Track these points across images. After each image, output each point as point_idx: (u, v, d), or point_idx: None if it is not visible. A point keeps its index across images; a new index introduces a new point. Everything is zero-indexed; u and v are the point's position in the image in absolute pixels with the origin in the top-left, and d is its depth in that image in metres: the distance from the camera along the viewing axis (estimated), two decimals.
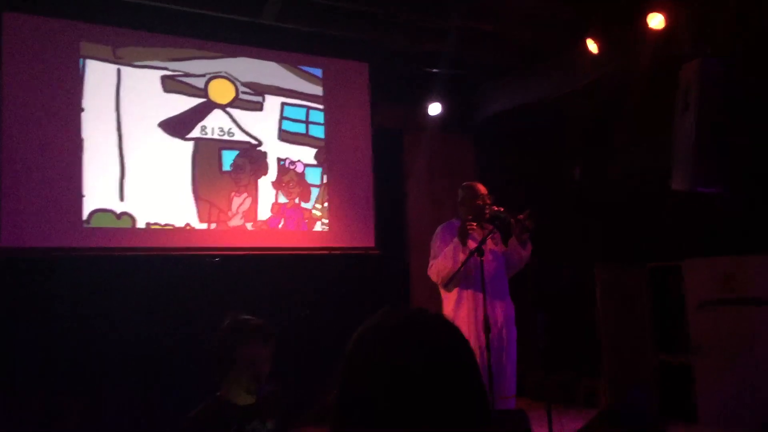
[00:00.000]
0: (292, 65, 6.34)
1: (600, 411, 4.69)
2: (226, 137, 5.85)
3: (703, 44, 4.87)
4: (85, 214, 5.37)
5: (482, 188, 4.68)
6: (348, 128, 6.73)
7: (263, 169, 6.03)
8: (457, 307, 4.49)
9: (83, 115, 5.43)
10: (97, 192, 5.38)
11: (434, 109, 7.17)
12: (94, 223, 5.37)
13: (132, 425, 5.39)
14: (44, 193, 5.27)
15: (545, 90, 6.68)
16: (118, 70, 5.56)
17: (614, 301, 6.35)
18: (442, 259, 4.48)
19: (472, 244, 4.42)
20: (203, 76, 5.89)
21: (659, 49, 5.35)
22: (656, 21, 5.27)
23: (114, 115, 5.47)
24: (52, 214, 5.28)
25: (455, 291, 4.53)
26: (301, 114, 6.28)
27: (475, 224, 4.52)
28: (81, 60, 5.50)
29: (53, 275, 5.33)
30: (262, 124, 6.07)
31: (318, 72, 6.51)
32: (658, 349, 6.11)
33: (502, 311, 4.52)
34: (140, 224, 5.52)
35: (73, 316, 5.31)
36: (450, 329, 1.03)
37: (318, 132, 6.43)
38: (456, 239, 4.48)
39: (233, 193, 5.88)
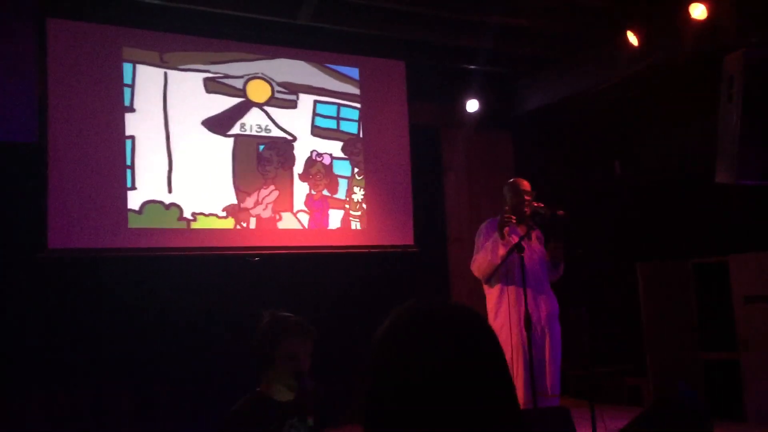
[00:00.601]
0: (323, 64, 6.39)
1: (645, 409, 4.62)
2: (263, 133, 6.06)
3: (748, 34, 4.76)
4: (137, 205, 5.59)
5: (525, 184, 4.67)
6: (385, 127, 6.74)
7: (290, 161, 6.10)
8: (499, 303, 4.49)
9: (133, 115, 5.63)
10: (148, 185, 5.64)
11: (472, 105, 7.13)
12: (145, 214, 5.59)
13: (176, 418, 5.48)
14: (91, 194, 5.41)
15: (583, 84, 6.60)
16: (165, 74, 5.79)
17: (658, 298, 6.25)
18: (483, 254, 4.50)
19: (514, 239, 4.41)
20: (242, 77, 6.06)
21: (702, 40, 5.25)
22: (699, 11, 5.16)
23: (161, 114, 5.72)
24: (99, 216, 5.43)
25: (497, 287, 4.52)
26: (332, 111, 6.40)
27: (514, 218, 4.50)
28: (129, 65, 5.67)
29: (100, 275, 5.46)
30: (297, 121, 6.23)
31: (350, 71, 6.55)
32: (703, 346, 6.00)
33: (545, 308, 4.49)
34: (186, 213, 5.74)
35: (117, 314, 5.43)
36: (475, 320, 1.01)
37: (349, 128, 6.50)
38: (495, 234, 4.48)
39: (261, 185, 5.98)
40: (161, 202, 5.68)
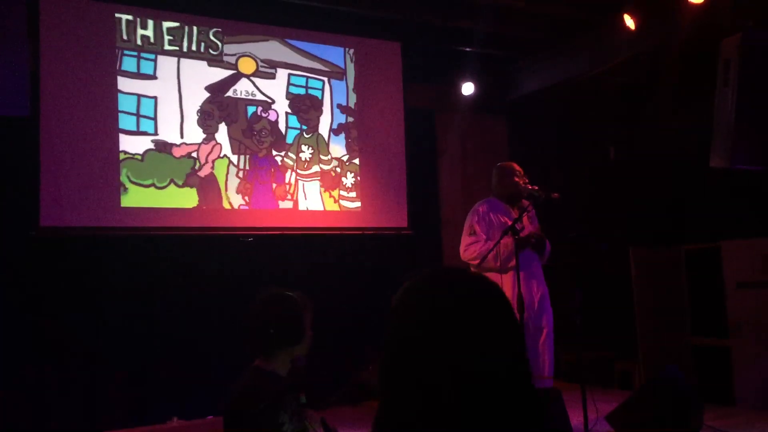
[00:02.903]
0: (296, 45, 6.45)
1: (635, 391, 4.65)
2: (250, 97, 6.23)
3: (745, 17, 4.73)
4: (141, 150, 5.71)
5: (517, 167, 4.66)
6: (380, 109, 6.73)
7: (233, 117, 6.08)
8: None
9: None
10: (161, 132, 5.80)
11: (467, 88, 7.11)
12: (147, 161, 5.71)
13: (172, 397, 5.48)
14: (84, 171, 5.39)
15: (579, 68, 6.58)
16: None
17: (650, 283, 6.27)
18: (482, 251, 4.45)
19: (507, 221, 4.41)
20: (234, 55, 6.15)
21: (698, 23, 5.22)
22: None
23: (176, 81, 5.90)
24: (92, 194, 5.41)
25: (490, 271, 4.52)
26: (302, 81, 6.49)
27: (533, 239, 4.49)
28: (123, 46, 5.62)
29: (93, 253, 5.44)
30: (275, 89, 6.33)
31: (322, 50, 6.56)
32: (694, 332, 6.03)
33: (537, 290, 4.51)
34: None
35: (109, 291, 5.42)
36: (492, 288, 1.03)
37: (315, 94, 6.54)
38: (510, 243, 4.39)
39: (203, 142, 5.96)
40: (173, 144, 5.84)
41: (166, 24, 5.84)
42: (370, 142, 6.65)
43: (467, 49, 6.81)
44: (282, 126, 6.31)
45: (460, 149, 7.47)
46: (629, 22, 5.68)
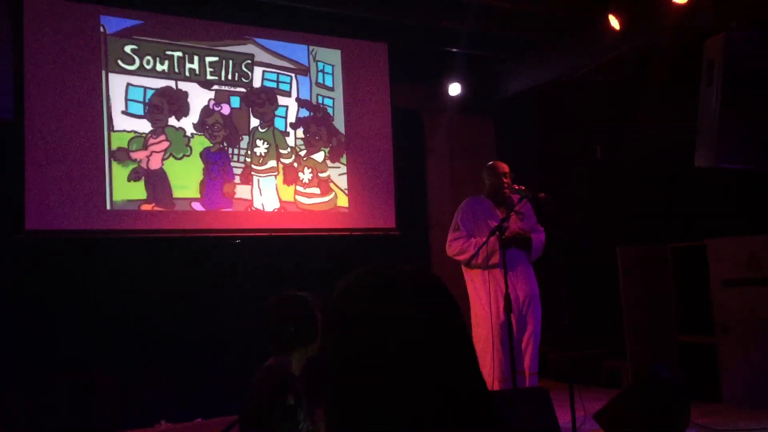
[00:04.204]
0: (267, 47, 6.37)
1: (623, 390, 4.67)
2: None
3: (728, 18, 4.77)
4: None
5: (504, 167, 4.72)
6: (367, 110, 6.72)
7: (183, 111, 5.88)
8: (479, 284, 4.51)
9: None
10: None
11: (454, 89, 7.12)
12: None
13: (165, 399, 5.46)
14: (69, 174, 5.35)
15: (565, 68, 6.60)
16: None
17: (637, 281, 6.30)
18: (468, 249, 4.49)
19: (492, 224, 4.42)
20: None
21: (683, 23, 5.26)
22: None
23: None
24: (77, 197, 5.38)
25: (477, 269, 4.53)
26: (273, 76, 6.34)
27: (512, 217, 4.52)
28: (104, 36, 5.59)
29: (78, 257, 5.41)
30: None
31: (289, 49, 6.44)
32: (681, 330, 6.06)
33: (524, 289, 4.52)
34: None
35: (94, 296, 5.40)
36: (432, 281, 0.98)
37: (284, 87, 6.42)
38: (492, 242, 4.41)
39: (150, 137, 5.76)
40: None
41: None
42: (358, 143, 6.64)
43: (454, 50, 6.82)
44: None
45: (447, 149, 7.48)
46: (614, 22, 5.71)
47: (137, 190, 5.66)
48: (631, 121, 6.47)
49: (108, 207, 5.51)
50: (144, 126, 5.72)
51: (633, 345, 6.21)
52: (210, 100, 6.02)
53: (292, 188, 6.31)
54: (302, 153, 6.40)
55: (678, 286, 6.11)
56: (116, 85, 5.63)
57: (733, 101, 4.57)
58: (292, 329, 2.53)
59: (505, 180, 4.61)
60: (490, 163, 4.88)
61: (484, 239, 4.37)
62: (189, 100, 5.92)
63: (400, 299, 0.93)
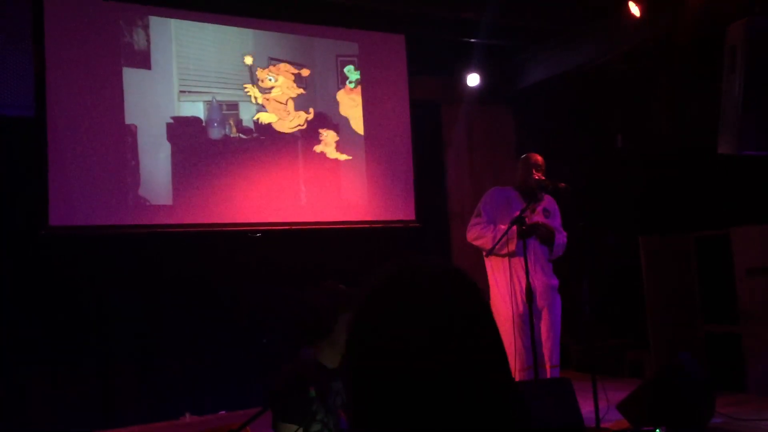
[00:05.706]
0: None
1: (646, 380, 4.64)
2: None
3: (751, 2, 4.70)
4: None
5: (537, 158, 4.66)
6: (386, 102, 6.72)
7: None
8: (500, 274, 4.50)
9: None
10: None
11: (473, 80, 7.09)
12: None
13: (183, 393, 5.52)
14: (92, 169, 5.41)
15: (585, 57, 6.55)
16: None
17: (660, 271, 6.25)
18: (487, 234, 4.49)
19: (516, 213, 4.41)
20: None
21: (704, 9, 5.19)
22: None
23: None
24: (101, 192, 5.43)
25: (498, 259, 4.53)
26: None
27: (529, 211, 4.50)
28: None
29: (102, 252, 5.47)
30: None
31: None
32: (705, 319, 6.01)
33: (543, 280, 4.51)
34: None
35: (118, 290, 5.45)
36: (458, 277, 0.97)
37: None
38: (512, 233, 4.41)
39: None
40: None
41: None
42: (377, 135, 6.64)
43: (472, 40, 6.79)
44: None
45: (466, 140, 7.46)
46: (634, 9, 5.65)
47: None
48: (652, 109, 6.41)
49: (132, 202, 5.57)
50: None
51: (655, 335, 6.17)
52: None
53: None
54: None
55: (701, 275, 6.05)
56: None
57: (756, 87, 4.50)
58: (309, 320, 2.51)
59: (535, 172, 4.58)
60: (525, 154, 4.82)
61: (505, 227, 4.36)
62: None
63: (430, 297, 0.93)
